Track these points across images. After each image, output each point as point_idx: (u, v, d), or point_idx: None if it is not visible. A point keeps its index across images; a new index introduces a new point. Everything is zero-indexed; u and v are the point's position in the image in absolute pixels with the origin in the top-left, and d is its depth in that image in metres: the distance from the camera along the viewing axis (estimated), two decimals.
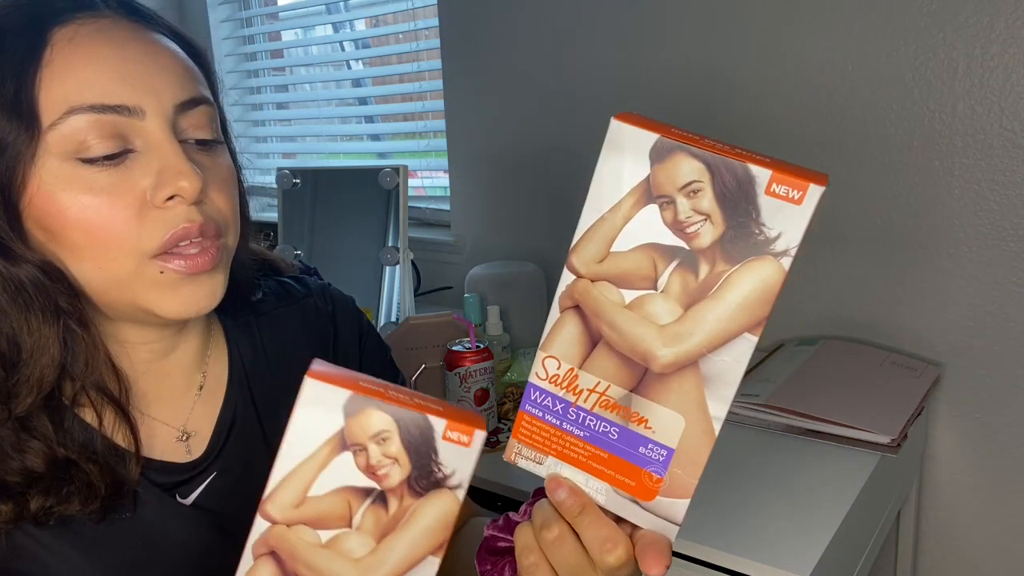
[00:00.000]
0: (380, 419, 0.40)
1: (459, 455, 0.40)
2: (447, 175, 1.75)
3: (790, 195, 0.36)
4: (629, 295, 0.40)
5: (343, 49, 2.07)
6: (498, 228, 1.67)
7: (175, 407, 0.63)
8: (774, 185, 0.36)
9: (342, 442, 0.40)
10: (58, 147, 0.50)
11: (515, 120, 1.58)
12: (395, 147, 1.98)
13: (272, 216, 1.61)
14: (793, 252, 0.37)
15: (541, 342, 0.42)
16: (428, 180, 1.91)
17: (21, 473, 0.51)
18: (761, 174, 0.36)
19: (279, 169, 1.56)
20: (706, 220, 0.38)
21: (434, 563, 0.41)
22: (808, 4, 1.20)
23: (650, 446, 0.41)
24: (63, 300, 0.53)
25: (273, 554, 0.41)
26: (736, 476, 0.92)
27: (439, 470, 0.40)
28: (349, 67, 2.05)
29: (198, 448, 0.62)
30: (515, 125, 1.58)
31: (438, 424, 0.40)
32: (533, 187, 1.58)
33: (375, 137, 2.04)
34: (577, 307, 0.41)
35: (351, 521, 0.41)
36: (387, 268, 1.49)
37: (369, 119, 2.03)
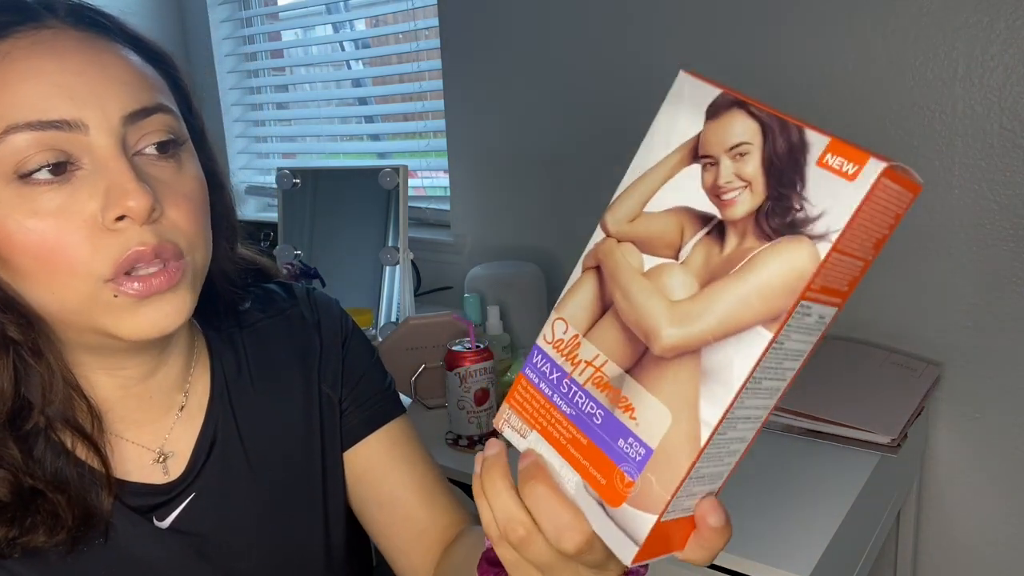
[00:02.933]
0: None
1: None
2: (447, 175, 1.75)
3: (844, 168, 0.30)
4: (649, 261, 0.36)
5: (343, 49, 2.07)
6: (498, 228, 1.67)
7: (154, 429, 0.61)
8: (828, 155, 0.30)
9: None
10: None
11: (515, 120, 1.58)
12: (395, 147, 1.98)
13: (272, 216, 1.62)
14: (834, 237, 0.30)
15: (558, 301, 0.40)
16: (428, 180, 1.91)
17: None
18: (818, 140, 0.31)
19: (279, 169, 1.56)
20: (747, 187, 0.33)
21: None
22: (808, 4, 1.20)
23: (630, 440, 0.36)
24: (13, 330, 0.51)
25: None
26: (736, 476, 0.92)
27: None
28: (349, 67, 2.05)
29: (176, 469, 0.61)
30: (515, 125, 1.58)
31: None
32: (533, 187, 1.58)
33: (375, 137, 2.04)
34: (598, 268, 0.38)
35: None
36: (387, 268, 1.49)
37: (369, 119, 2.03)
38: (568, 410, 0.39)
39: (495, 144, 1.63)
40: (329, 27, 2.09)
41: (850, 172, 0.30)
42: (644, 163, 0.37)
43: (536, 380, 0.40)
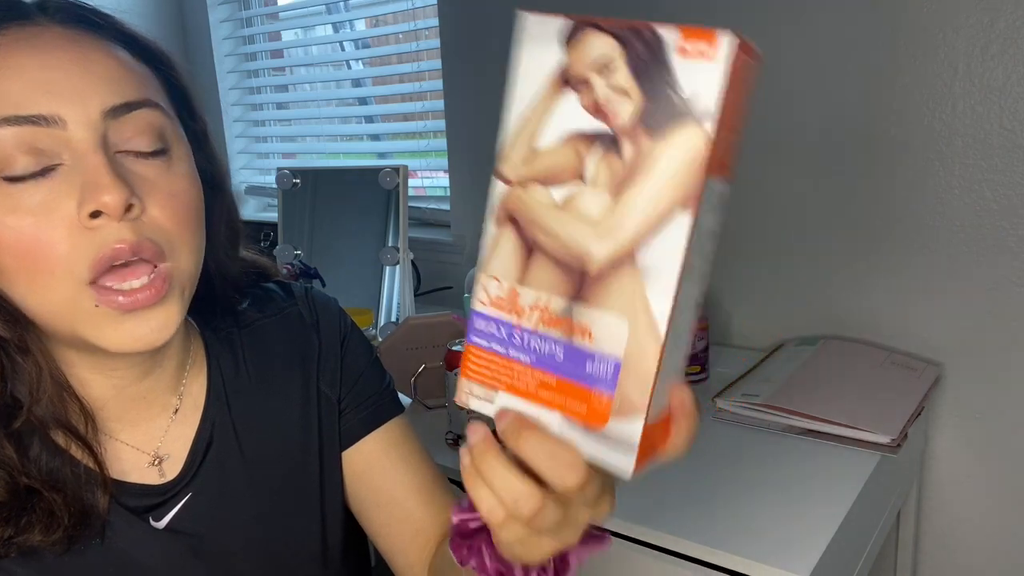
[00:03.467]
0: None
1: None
2: (447, 175, 1.75)
3: (701, 51, 0.33)
4: (559, 194, 0.37)
5: (343, 49, 2.07)
6: None
7: (148, 429, 0.61)
8: (685, 43, 0.33)
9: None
10: None
11: None
12: (395, 147, 1.98)
13: (272, 216, 1.62)
14: (715, 114, 0.33)
15: (480, 263, 0.39)
16: (428, 180, 1.91)
17: None
18: (670, 34, 0.34)
19: (279, 169, 1.56)
20: (624, 95, 0.35)
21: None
22: (808, 4, 1.20)
23: (596, 360, 0.37)
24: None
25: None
26: (736, 476, 0.92)
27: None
28: (349, 67, 2.05)
29: (172, 470, 0.61)
30: None
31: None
32: None
33: (375, 137, 2.05)
34: (510, 219, 0.38)
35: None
36: (387, 268, 1.49)
37: (369, 119, 2.03)
38: (527, 358, 0.39)
39: (495, 144, 1.63)
40: (329, 27, 2.09)
41: (708, 53, 0.33)
42: (518, 108, 0.38)
43: (486, 343, 0.40)
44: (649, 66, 0.34)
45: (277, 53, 2.17)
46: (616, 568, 0.85)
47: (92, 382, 0.57)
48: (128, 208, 0.48)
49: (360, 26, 2.01)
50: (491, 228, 0.39)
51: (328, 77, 2.11)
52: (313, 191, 1.56)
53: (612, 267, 0.36)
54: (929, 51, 1.12)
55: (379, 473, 0.69)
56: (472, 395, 0.41)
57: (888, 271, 1.21)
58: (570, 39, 0.36)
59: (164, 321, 0.52)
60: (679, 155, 0.34)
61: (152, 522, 0.59)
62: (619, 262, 0.36)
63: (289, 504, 0.66)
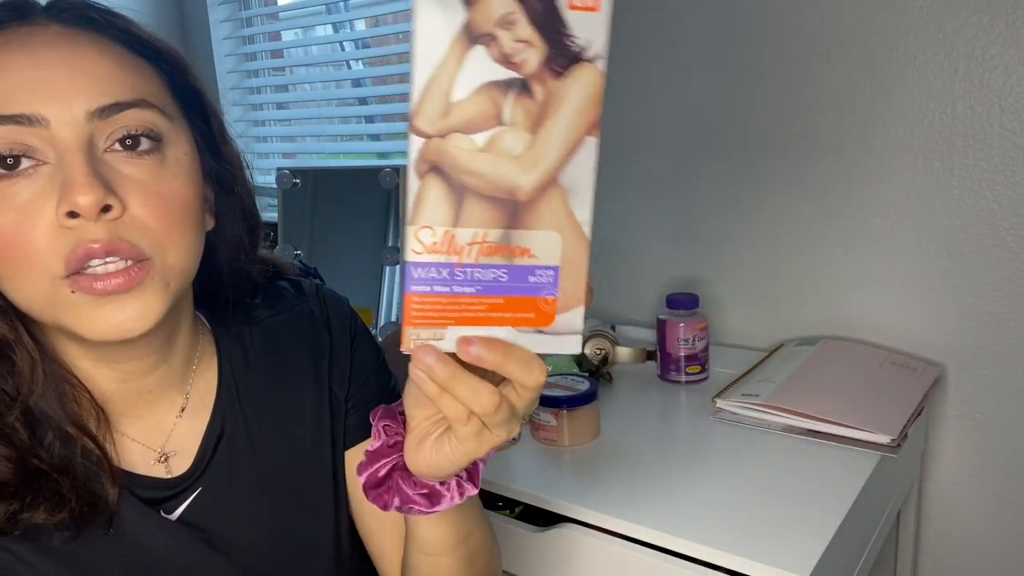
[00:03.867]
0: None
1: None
2: None
3: (587, 3, 0.40)
4: (481, 138, 0.41)
5: (343, 49, 2.07)
6: None
7: (155, 425, 0.61)
8: None
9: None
10: None
11: None
12: (395, 147, 1.98)
13: (272, 216, 1.62)
14: (604, 54, 0.41)
15: (407, 218, 0.42)
16: None
17: None
18: None
19: (279, 169, 1.56)
20: (528, 46, 0.41)
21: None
22: (807, 4, 1.20)
23: (537, 272, 0.44)
24: None
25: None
26: (736, 476, 0.92)
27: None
28: (349, 67, 2.05)
29: (181, 465, 0.61)
30: None
31: None
32: None
33: (375, 137, 2.04)
34: (434, 169, 0.41)
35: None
36: (387, 268, 1.49)
37: (369, 119, 2.03)
38: (473, 289, 0.43)
39: None
40: (329, 27, 2.09)
41: (593, 5, 0.40)
42: (427, 65, 0.40)
43: (427, 289, 0.43)
44: (547, 18, 0.40)
45: (277, 53, 2.17)
46: (616, 568, 0.85)
47: (97, 376, 0.57)
48: (105, 209, 0.49)
49: (360, 26, 2.01)
50: (413, 181, 0.42)
51: (328, 77, 2.11)
52: (313, 191, 1.56)
53: (540, 192, 0.42)
54: (929, 51, 1.12)
55: None
56: (419, 339, 0.44)
57: (888, 271, 1.21)
58: (470, 0, 0.40)
59: (142, 310, 0.51)
60: (583, 90, 0.41)
61: (164, 514, 0.59)
62: (545, 186, 0.42)
63: (302, 499, 0.66)
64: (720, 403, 1.08)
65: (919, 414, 1.05)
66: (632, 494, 0.89)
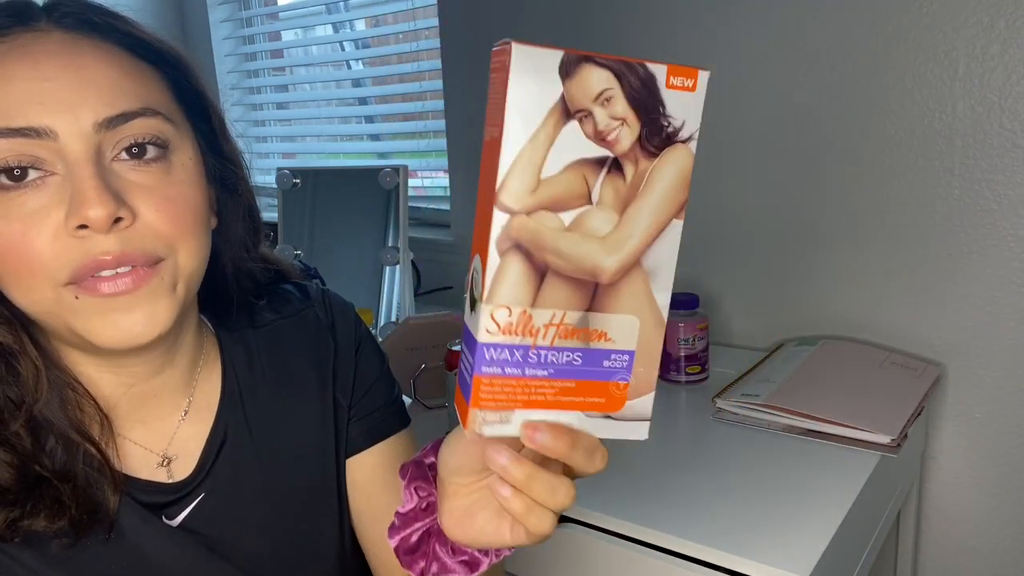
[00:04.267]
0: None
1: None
2: (447, 175, 1.75)
3: (685, 84, 0.40)
4: (567, 217, 0.40)
5: (343, 49, 2.07)
6: None
7: (158, 429, 0.61)
8: (672, 78, 0.39)
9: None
10: None
11: None
12: (395, 147, 1.99)
13: (272, 216, 1.62)
14: (696, 135, 0.40)
15: (484, 295, 0.40)
16: (428, 180, 1.91)
17: None
18: (659, 70, 0.39)
19: (279, 169, 1.56)
20: (623, 124, 0.40)
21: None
22: (807, 4, 1.20)
23: (612, 357, 0.42)
24: None
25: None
26: (736, 476, 0.92)
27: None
28: (349, 67, 2.05)
29: (183, 470, 0.61)
30: None
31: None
32: None
33: (375, 137, 2.05)
34: (516, 246, 0.40)
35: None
36: (387, 268, 1.49)
37: (369, 119, 2.03)
38: (545, 372, 0.42)
39: None
40: (329, 27, 2.09)
41: (690, 86, 0.40)
42: (518, 139, 0.39)
43: (499, 371, 0.41)
44: (643, 97, 0.39)
45: (277, 53, 2.17)
46: (616, 568, 0.85)
47: (101, 381, 0.57)
48: (116, 220, 0.49)
49: (360, 26, 2.01)
50: (494, 258, 0.40)
51: (328, 77, 2.11)
52: (313, 191, 1.56)
53: (622, 274, 0.41)
54: (929, 51, 1.12)
55: (376, 488, 0.68)
56: (485, 423, 0.42)
57: (888, 271, 1.21)
58: (568, 72, 0.38)
59: (151, 314, 0.51)
60: (674, 172, 0.41)
61: (166, 520, 0.59)
62: (628, 269, 0.41)
63: (306, 505, 0.65)
64: (720, 403, 1.08)
65: (919, 414, 1.05)
66: (632, 494, 0.89)
